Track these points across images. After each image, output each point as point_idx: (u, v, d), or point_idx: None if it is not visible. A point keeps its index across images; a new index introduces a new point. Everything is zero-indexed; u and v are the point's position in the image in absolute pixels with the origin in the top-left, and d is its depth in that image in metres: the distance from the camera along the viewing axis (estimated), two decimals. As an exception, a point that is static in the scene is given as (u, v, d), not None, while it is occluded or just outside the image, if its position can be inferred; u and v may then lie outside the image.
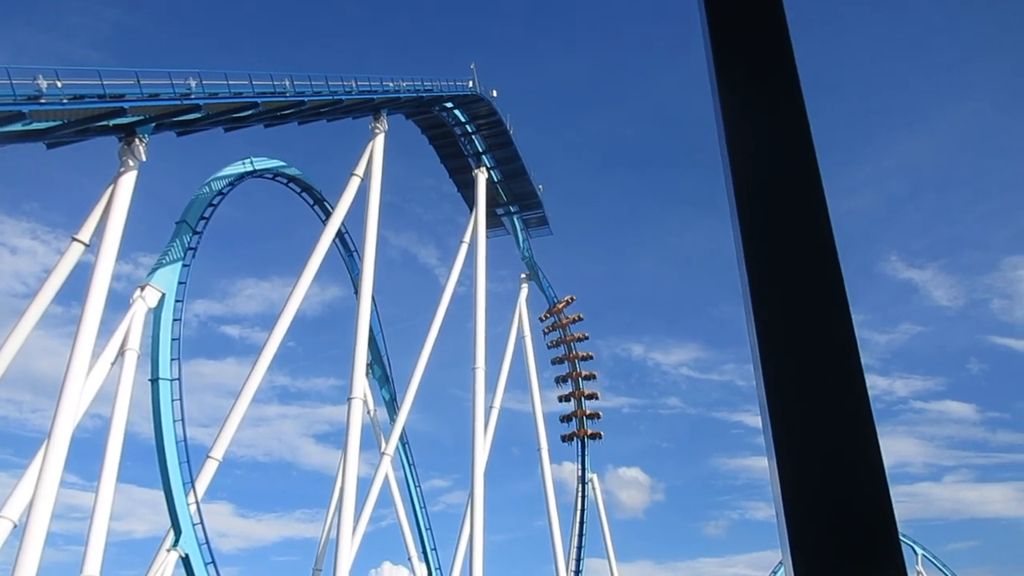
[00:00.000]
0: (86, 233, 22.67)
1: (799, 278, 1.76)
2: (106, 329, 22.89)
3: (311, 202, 37.53)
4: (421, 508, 39.00)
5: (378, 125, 33.35)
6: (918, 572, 62.49)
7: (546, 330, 50.76)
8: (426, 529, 38.59)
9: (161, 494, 26.08)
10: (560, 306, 50.02)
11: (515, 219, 46.60)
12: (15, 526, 19.26)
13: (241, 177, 32.10)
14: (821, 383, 1.67)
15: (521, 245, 47.59)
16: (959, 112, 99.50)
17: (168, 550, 25.30)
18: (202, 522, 26.34)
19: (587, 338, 51.26)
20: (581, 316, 50.80)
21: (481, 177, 40.19)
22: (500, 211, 45.02)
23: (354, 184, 32.94)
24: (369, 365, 36.83)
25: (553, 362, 50.73)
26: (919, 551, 64.03)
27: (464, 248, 39.39)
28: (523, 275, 49.05)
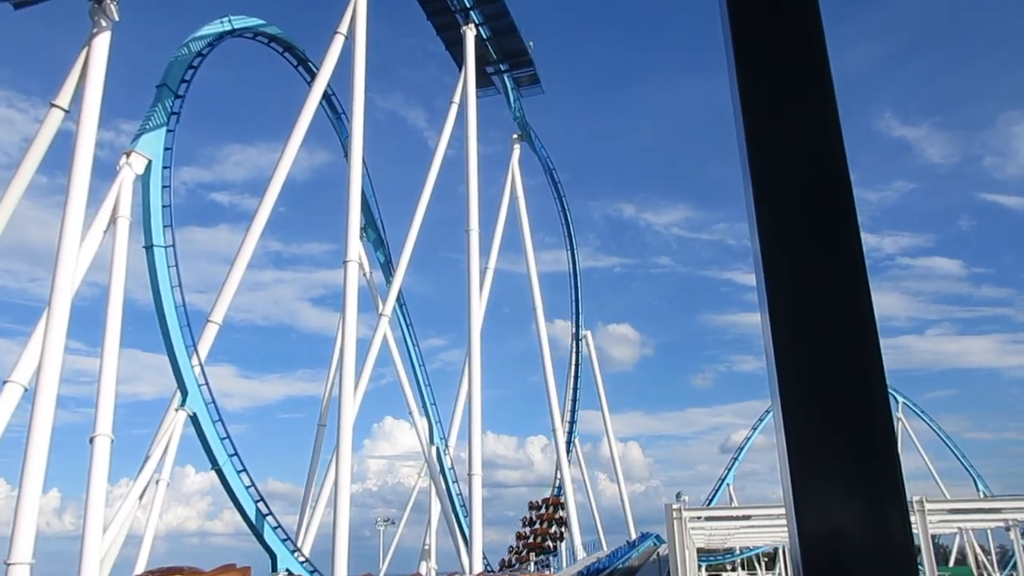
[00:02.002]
0: (64, 98, 22.05)
1: (797, 129, 1.73)
2: (94, 198, 22.66)
3: (294, 63, 36.34)
4: (420, 366, 40.10)
5: (361, -22, 31.77)
6: (898, 419, 65.38)
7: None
8: (425, 386, 39.85)
9: (165, 358, 26.75)
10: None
11: (505, 78, 45.26)
12: (25, 390, 19.83)
13: (220, 37, 30.87)
14: (814, 238, 1.69)
15: (512, 105, 46.48)
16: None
17: (176, 410, 26.20)
18: (207, 383, 27.14)
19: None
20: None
21: (470, 34, 38.67)
22: (490, 70, 43.63)
23: (338, 43, 31.79)
24: (363, 228, 36.87)
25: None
26: (900, 399, 66.78)
27: (454, 109, 38.49)
28: (515, 135, 48.24)
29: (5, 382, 20.03)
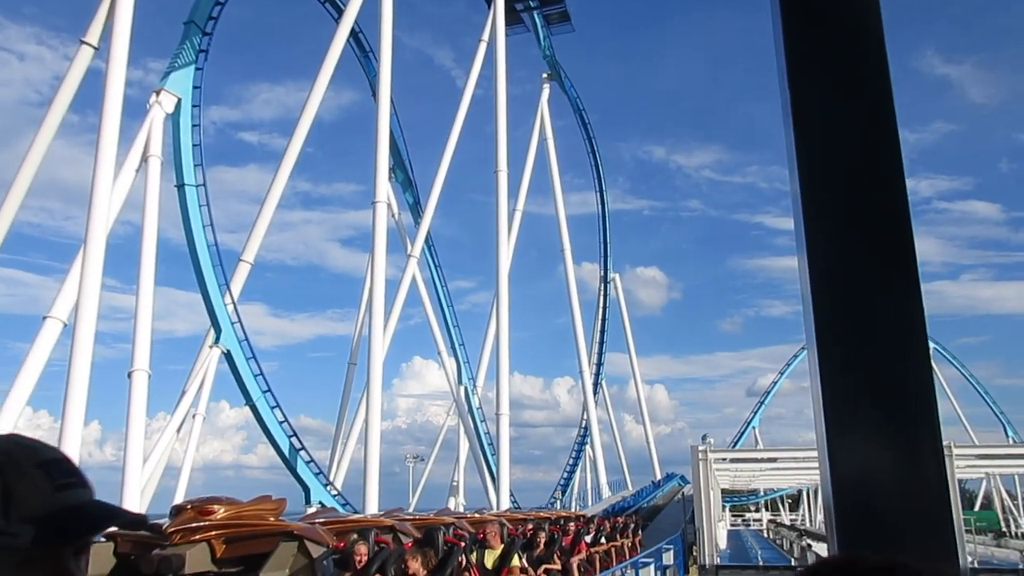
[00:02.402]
0: (94, 36, 22.00)
1: (842, 64, 1.67)
2: (125, 137, 22.77)
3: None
4: (448, 307, 40.39)
5: (388, -90, 31.01)
6: (928, 364, 64.74)
7: None
8: (453, 327, 40.17)
9: (198, 296, 27.19)
10: None
11: (535, 15, 44.33)
12: (65, 325, 20.32)
13: (247, -29, 30.42)
14: (857, 179, 1.64)
15: (542, 43, 45.62)
16: None
17: (210, 347, 26.73)
18: (240, 321, 27.60)
19: None
20: None
21: (500, -32, 37.79)
22: (520, 7, 42.71)
23: (366, -23, 31.24)
24: (391, 169, 36.74)
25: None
26: (932, 345, 66.01)
27: (483, 47, 37.81)
28: (544, 75, 47.43)
29: (45, 317, 20.53)
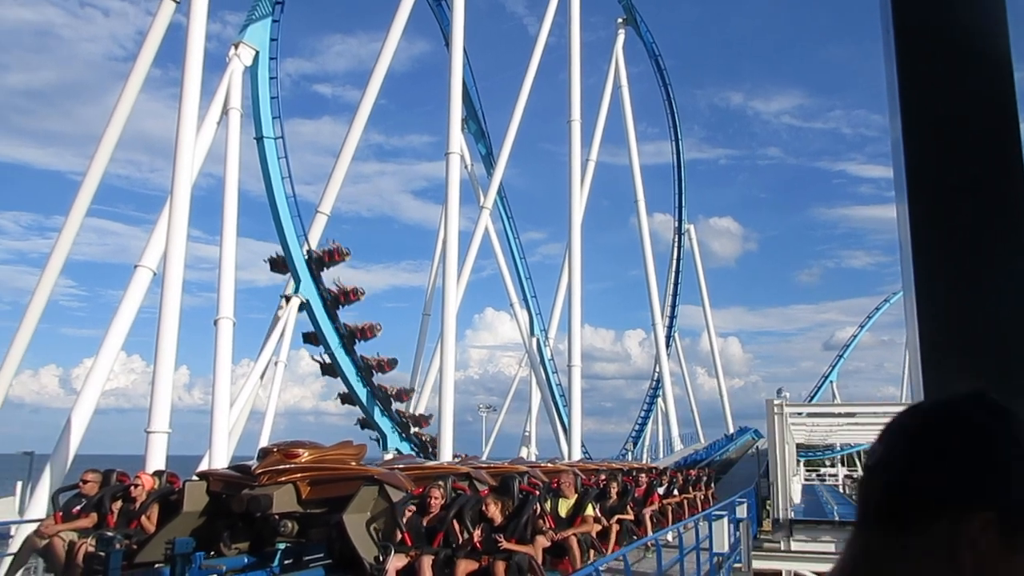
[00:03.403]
0: (175, -11, 22.41)
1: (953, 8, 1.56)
2: (206, 90, 23.24)
3: (395, -53, 35.60)
4: (520, 259, 40.49)
5: None
6: None
7: None
8: (526, 278, 40.31)
9: (277, 247, 27.89)
10: None
11: (611, -44, 43.14)
12: (154, 274, 21.16)
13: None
14: (966, 124, 1.54)
15: (618, -14, 44.47)
16: None
17: (290, 296, 27.50)
18: (327, 293, 28.25)
19: None
20: None
21: (574, -91, 36.73)
22: (595, -52, 41.63)
23: (439, -76, 30.83)
24: (464, 120, 36.65)
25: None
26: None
27: (556, -9, 37.09)
28: (619, 20, 46.32)
29: (136, 266, 21.41)
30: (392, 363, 30.55)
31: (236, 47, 26.19)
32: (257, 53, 26.76)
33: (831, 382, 60.09)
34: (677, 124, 50.71)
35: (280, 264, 28.01)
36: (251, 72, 26.73)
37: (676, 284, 50.72)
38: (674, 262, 51.25)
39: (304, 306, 27.67)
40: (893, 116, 1.63)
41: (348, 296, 28.96)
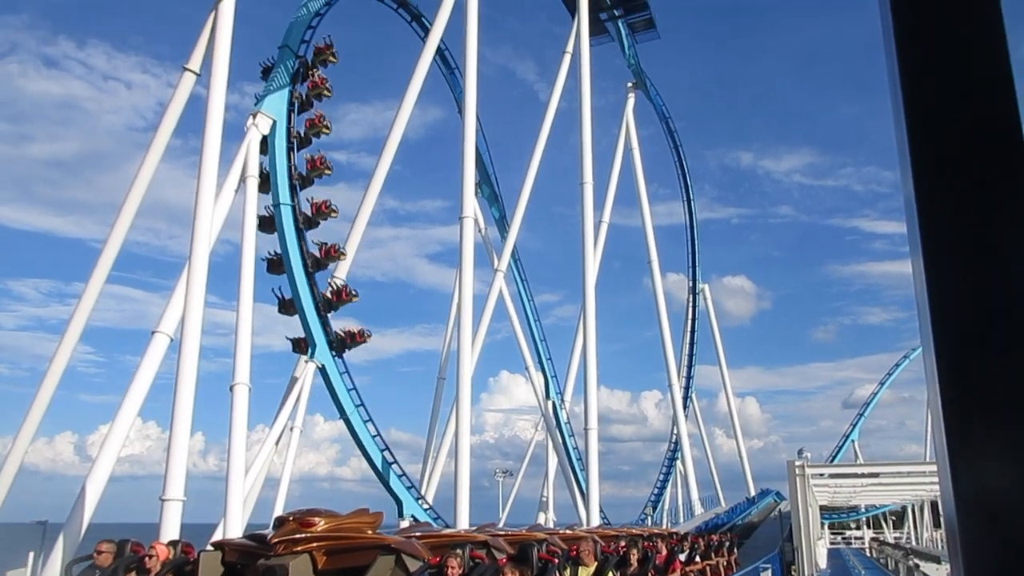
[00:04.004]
0: (195, 62, 23.09)
1: (959, 50, 1.58)
2: (224, 159, 23.74)
3: (408, 19, 36.71)
4: (535, 321, 40.45)
5: (472, -71, 31.54)
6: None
7: None
8: (540, 341, 40.20)
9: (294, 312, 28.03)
10: None
11: (620, 24, 44.18)
12: (172, 340, 21.29)
13: (338, -4, 31.46)
14: (978, 168, 1.54)
15: (627, 52, 45.40)
16: None
17: (306, 361, 27.51)
18: (334, 336, 28.31)
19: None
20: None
21: (583, -21, 37.83)
22: (604, 16, 42.70)
23: (451, -4, 31.80)
24: (478, 184, 37.15)
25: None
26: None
27: (567, 59, 37.91)
28: (629, 84, 47.20)
29: (153, 332, 21.56)
30: None
31: (254, 116, 26.83)
32: (275, 122, 27.40)
33: (853, 441, 59.03)
34: (689, 185, 51.18)
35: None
36: (269, 140, 27.32)
37: (692, 344, 50.42)
38: (689, 322, 51.06)
39: (320, 370, 27.67)
40: (904, 172, 1.64)
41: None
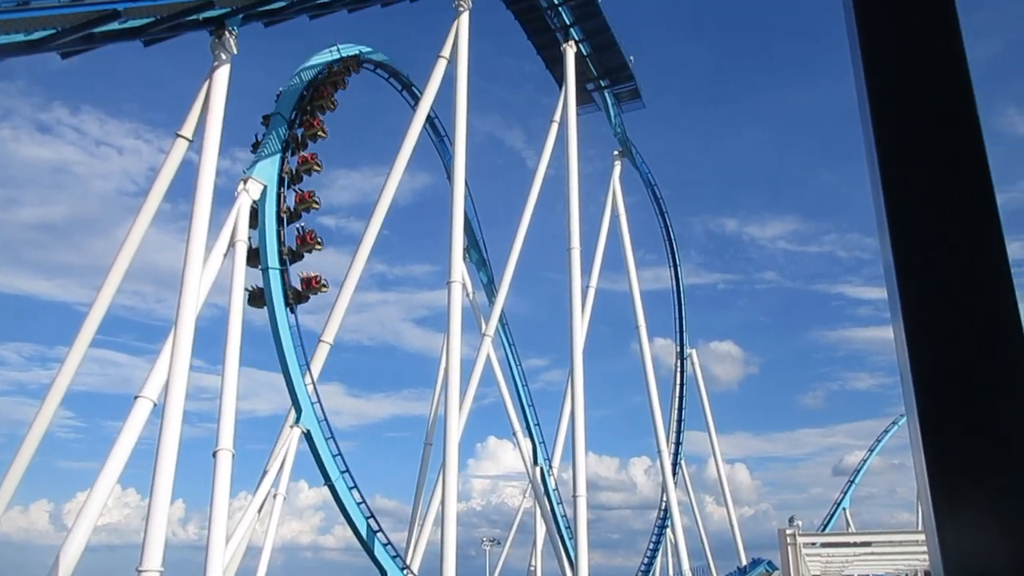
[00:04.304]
0: (188, 129, 23.39)
1: (934, 147, 1.63)
2: (214, 223, 23.88)
3: (399, 87, 37.43)
4: (523, 386, 40.20)
5: (462, 3, 32.49)
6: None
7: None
8: (528, 406, 39.88)
9: (279, 376, 27.80)
10: None
11: (606, 94, 45.19)
12: (155, 405, 21.01)
13: (329, 65, 32.14)
14: (953, 242, 1.58)
15: (613, 121, 46.34)
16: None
17: (291, 427, 27.15)
18: (319, 401, 28.03)
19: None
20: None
21: (570, 51, 38.86)
22: (590, 86, 43.70)
23: (441, 67, 32.51)
24: (466, 249, 37.38)
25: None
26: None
27: (555, 127, 38.61)
28: (615, 152, 48.02)
29: (136, 397, 21.28)
30: None
31: (245, 182, 27.08)
32: (265, 187, 27.64)
33: (844, 509, 58.34)
34: (675, 250, 51.66)
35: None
36: (259, 205, 27.51)
37: (680, 410, 50.14)
38: (677, 387, 50.86)
39: (305, 436, 27.29)
40: (883, 238, 1.68)
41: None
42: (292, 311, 27.76)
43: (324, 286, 29.24)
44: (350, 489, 28.21)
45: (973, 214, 1.59)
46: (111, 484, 20.40)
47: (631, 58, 43.54)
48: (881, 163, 1.64)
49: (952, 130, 1.62)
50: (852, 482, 59.83)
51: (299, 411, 27.21)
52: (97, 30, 19.53)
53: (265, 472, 26.57)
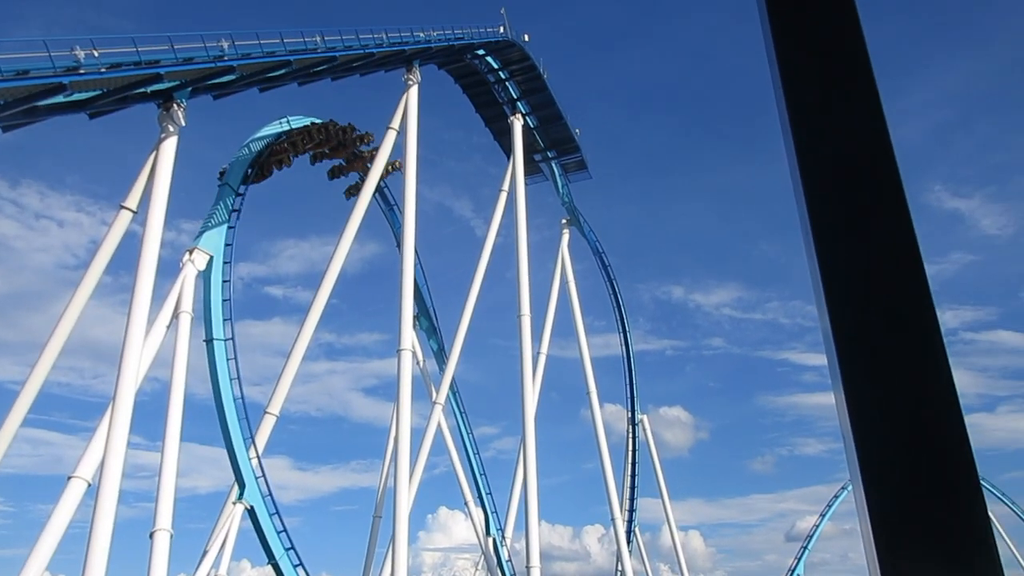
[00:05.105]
0: (133, 200, 23.08)
1: (865, 222, 1.70)
2: (157, 295, 23.39)
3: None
4: (474, 454, 39.66)
5: (411, 77, 33.12)
6: (975, 500, 62.03)
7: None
8: (480, 475, 39.29)
9: (221, 451, 26.95)
10: None
11: (553, 164, 46.15)
12: (89, 485, 20.12)
13: (279, 137, 32.26)
14: (889, 313, 1.63)
15: (560, 191, 47.19)
16: (1012, 34, 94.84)
17: (234, 503, 26.21)
18: (264, 475, 27.18)
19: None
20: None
21: (517, 124, 39.77)
22: (538, 157, 44.62)
23: (390, 138, 32.89)
24: (416, 317, 37.20)
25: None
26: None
27: (503, 196, 39.17)
28: (564, 220, 48.76)
29: (69, 477, 20.37)
30: None
31: (191, 252, 26.71)
32: (211, 257, 27.28)
33: None
34: (624, 317, 52.14)
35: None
36: (204, 276, 27.09)
37: (633, 476, 49.90)
38: (630, 453, 50.70)
39: (249, 512, 26.35)
40: (820, 308, 1.73)
41: None
42: (240, 383, 27.13)
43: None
44: (295, 567, 27.19)
45: (906, 286, 1.64)
46: (40, 571, 19.33)
47: (577, 131, 44.73)
48: (815, 237, 1.70)
49: (882, 206, 1.69)
50: (805, 548, 59.82)
51: (242, 486, 26.32)
52: (41, 103, 19.38)
53: (205, 552, 25.51)
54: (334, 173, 37.01)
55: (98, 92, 20.97)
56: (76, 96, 20.36)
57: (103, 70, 20.65)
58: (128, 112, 23.20)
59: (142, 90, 22.07)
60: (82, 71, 19.98)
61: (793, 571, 58.44)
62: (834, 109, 1.77)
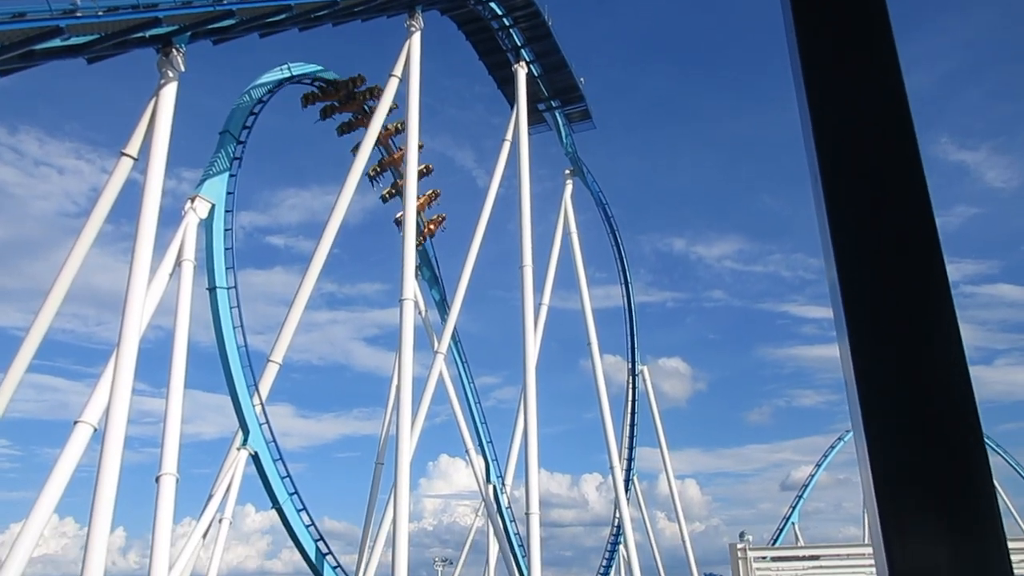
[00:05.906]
0: (133, 147, 22.88)
1: (875, 171, 1.68)
2: (159, 243, 23.34)
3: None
4: (475, 403, 40.06)
5: (414, 23, 32.54)
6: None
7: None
8: (481, 423, 39.74)
9: (225, 399, 27.24)
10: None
11: (557, 114, 45.63)
12: (95, 430, 20.36)
13: (280, 84, 31.90)
14: (896, 260, 1.63)
15: (564, 141, 46.75)
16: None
17: (238, 449, 26.59)
18: (268, 422, 27.53)
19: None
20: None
21: (521, 72, 39.20)
22: (541, 107, 44.09)
23: (392, 85, 32.46)
24: (418, 267, 37.21)
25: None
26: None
27: (506, 146, 38.79)
28: (567, 171, 48.40)
29: (75, 422, 20.59)
30: None
31: (193, 200, 26.58)
32: (213, 206, 27.17)
33: (793, 523, 59.18)
34: (626, 269, 52.09)
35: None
36: (206, 224, 27.03)
37: (632, 426, 50.41)
38: (629, 404, 51.13)
39: (253, 458, 26.74)
40: (827, 258, 1.72)
41: None
42: (243, 331, 27.29)
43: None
44: (299, 511, 27.71)
45: (914, 235, 1.64)
46: (48, 513, 19.65)
47: (582, 80, 44.09)
48: (825, 187, 1.69)
49: (892, 155, 1.68)
50: (800, 497, 60.76)
51: (246, 433, 26.68)
52: (38, 47, 19.08)
53: (210, 496, 25.95)
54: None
55: (96, 36, 20.62)
56: (74, 40, 20.03)
57: (101, 13, 20.28)
58: (127, 58, 22.89)
59: (141, 34, 21.70)
60: (79, 14, 19.64)
61: (788, 519, 59.47)
62: (848, 62, 1.74)
